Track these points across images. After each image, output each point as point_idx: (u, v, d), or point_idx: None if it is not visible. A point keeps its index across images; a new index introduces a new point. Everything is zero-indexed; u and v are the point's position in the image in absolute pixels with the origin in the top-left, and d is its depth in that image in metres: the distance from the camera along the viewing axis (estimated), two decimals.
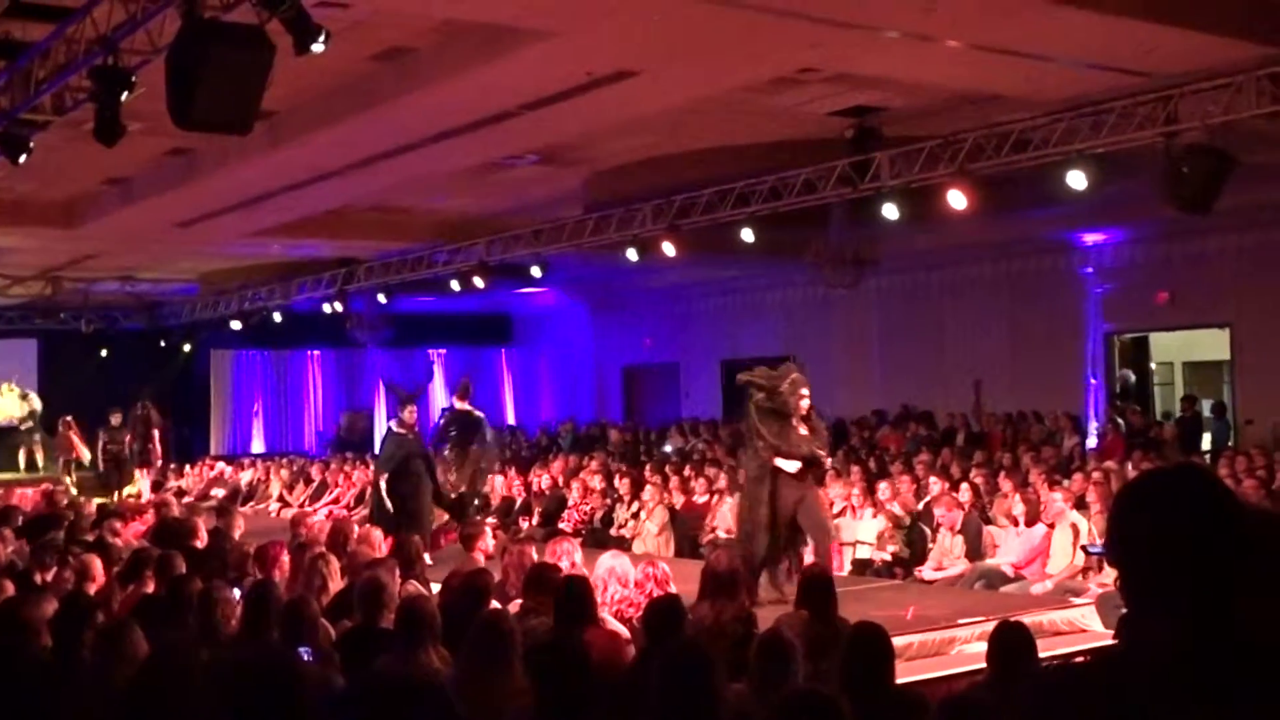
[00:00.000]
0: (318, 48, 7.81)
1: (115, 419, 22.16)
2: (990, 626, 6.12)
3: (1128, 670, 2.26)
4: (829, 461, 11.06)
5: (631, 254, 16.68)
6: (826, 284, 18.82)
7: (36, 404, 25.52)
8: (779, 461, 10.42)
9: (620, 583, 7.73)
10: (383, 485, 13.27)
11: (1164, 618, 2.25)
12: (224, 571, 8.71)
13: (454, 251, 19.74)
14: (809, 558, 10.41)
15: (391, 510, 13.04)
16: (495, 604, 7.36)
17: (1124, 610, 2.40)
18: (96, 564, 8.52)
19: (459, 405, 18.33)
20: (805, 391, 10.55)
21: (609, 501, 16.98)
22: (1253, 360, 18.55)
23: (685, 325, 27.15)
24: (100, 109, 8.88)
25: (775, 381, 10.60)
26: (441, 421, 17.56)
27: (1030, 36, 10.30)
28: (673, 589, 7.46)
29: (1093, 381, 20.39)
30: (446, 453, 16.36)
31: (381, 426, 29.90)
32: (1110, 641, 2.41)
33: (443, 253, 19.91)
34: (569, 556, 8.37)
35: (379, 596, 6.64)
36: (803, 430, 10.48)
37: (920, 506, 13.62)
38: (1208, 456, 16.86)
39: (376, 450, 17.07)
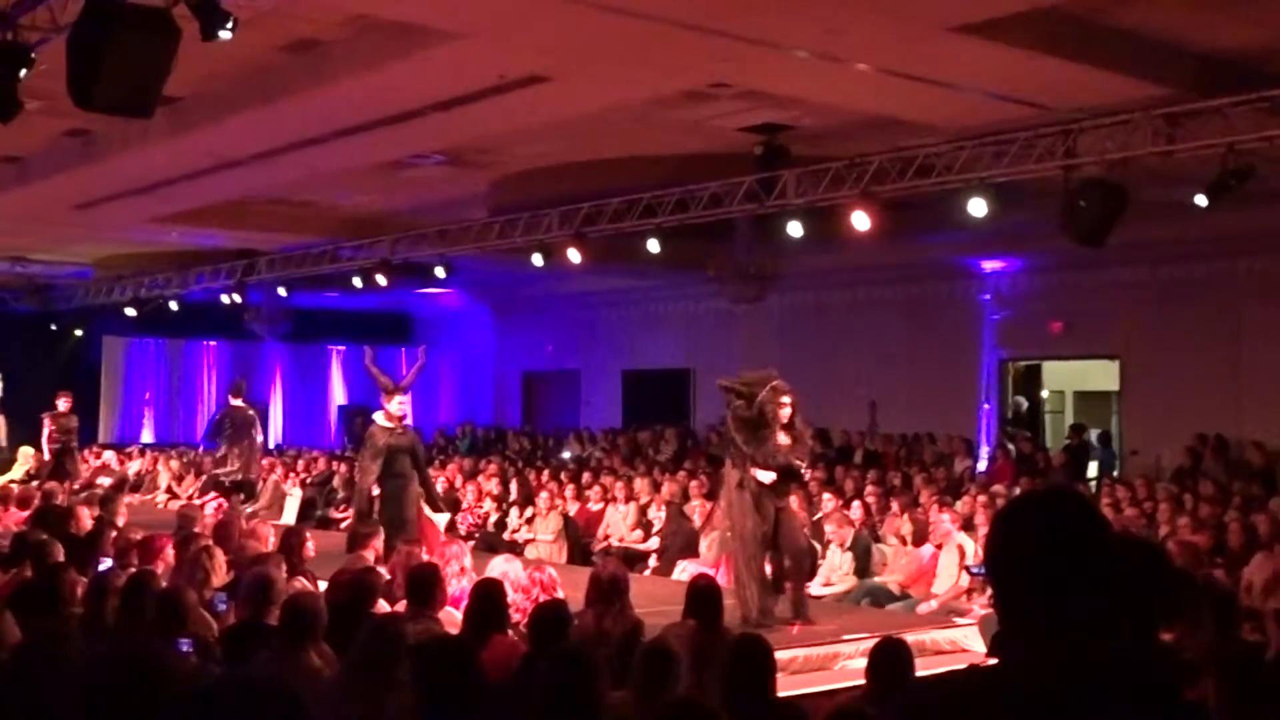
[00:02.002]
0: (225, 35, 7.70)
1: (63, 403, 20.62)
2: (874, 643, 6.19)
3: (997, 686, 2.30)
4: (808, 473, 10.63)
5: (537, 259, 16.64)
6: (729, 298, 18.89)
7: None
8: (755, 471, 10.12)
9: (512, 588, 7.71)
10: (371, 485, 12.27)
11: (1034, 635, 2.29)
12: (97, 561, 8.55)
13: (358, 248, 19.55)
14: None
15: (378, 512, 12.11)
16: (383, 604, 7.32)
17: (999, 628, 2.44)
18: None
19: (234, 402, 18.57)
20: (786, 400, 10.19)
21: (504, 506, 16.93)
22: (1140, 392, 18.96)
23: (588, 333, 27.14)
24: None
25: (754, 388, 10.31)
26: (216, 418, 18.19)
27: (937, 64, 10.46)
28: (560, 595, 7.46)
29: (986, 406, 20.71)
30: (222, 447, 17.90)
31: (277, 418, 29.57)
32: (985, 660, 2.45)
33: (346, 248, 19.71)
34: (458, 560, 8.34)
35: (265, 592, 6.56)
36: (784, 439, 10.16)
37: (811, 522, 13.73)
38: (1093, 484, 17.21)
39: (349, 445, 16.45)
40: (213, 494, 17.51)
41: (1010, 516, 2.42)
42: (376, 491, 12.23)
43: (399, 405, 12.54)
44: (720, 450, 11.39)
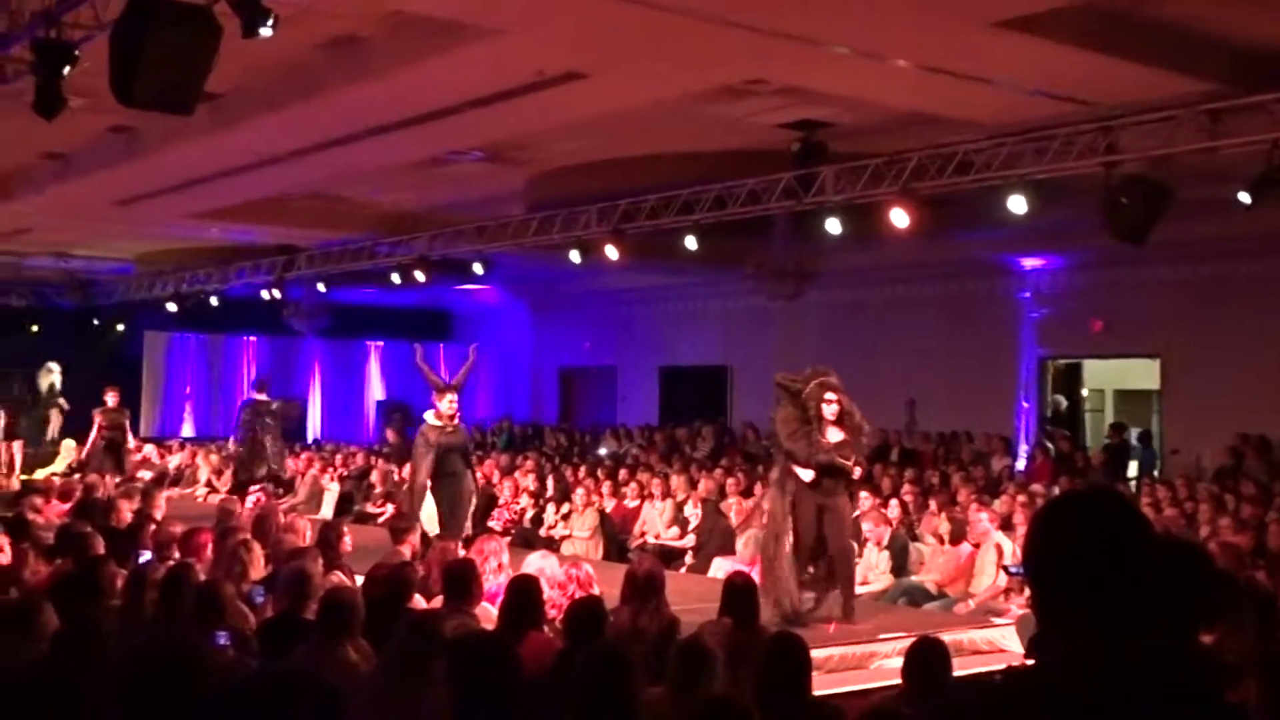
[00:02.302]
0: (265, 32, 7.74)
1: (111, 399, 20.71)
2: (910, 643, 6.16)
3: (1035, 687, 2.29)
4: (858, 471, 10.27)
5: (574, 256, 16.66)
6: (767, 295, 18.86)
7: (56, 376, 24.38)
8: (795, 468, 10.05)
9: (548, 584, 7.73)
10: (424, 484, 12.23)
11: (1072, 636, 2.28)
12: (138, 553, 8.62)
13: (396, 244, 19.63)
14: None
15: (434, 509, 12.13)
16: (419, 599, 7.35)
17: (1037, 629, 2.43)
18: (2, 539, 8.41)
19: (258, 397, 18.62)
20: (831, 396, 10.09)
21: (540, 502, 16.96)
22: (1181, 391, 18.82)
23: (625, 330, 27.16)
24: (40, 82, 8.75)
25: (799, 384, 10.28)
26: (241, 415, 18.24)
27: (977, 60, 10.40)
28: (596, 591, 7.46)
29: (1025, 405, 20.60)
30: (242, 443, 17.98)
31: (316, 413, 29.75)
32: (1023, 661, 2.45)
33: (384, 245, 19.80)
34: (496, 556, 8.36)
35: (303, 586, 6.59)
36: (834, 436, 10.03)
37: (852, 520, 13.70)
38: (1133, 484, 17.08)
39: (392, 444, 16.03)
40: (255, 489, 17.59)
41: (1049, 516, 2.41)
42: (428, 485, 12.32)
43: (449, 404, 12.45)
44: (769, 447, 11.38)
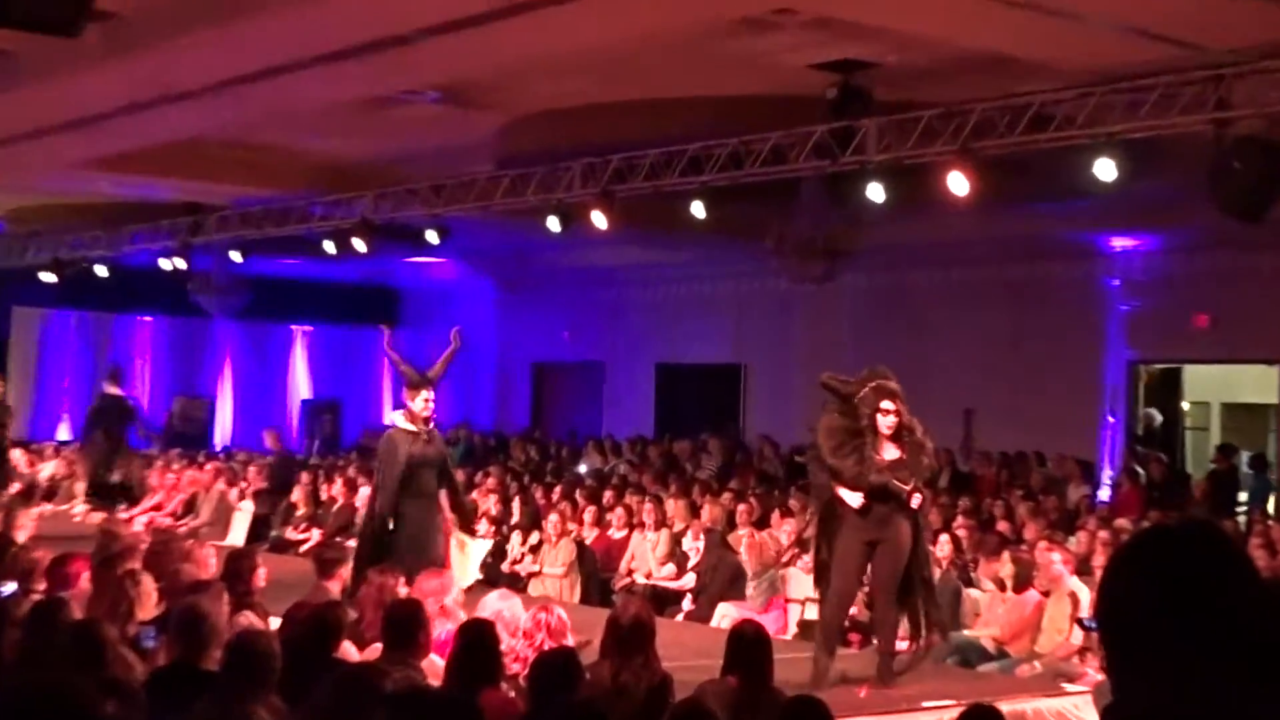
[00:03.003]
0: None
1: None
2: (959, 713, 6.17)
3: None
4: (917, 499, 10.08)
5: (553, 223, 16.65)
6: (791, 278, 18.87)
7: None
8: (840, 491, 10.01)
9: (509, 631, 7.75)
10: (389, 510, 11.53)
11: (1155, 709, 2.28)
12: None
13: (331, 205, 19.63)
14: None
15: (391, 538, 11.38)
16: (350, 647, 7.36)
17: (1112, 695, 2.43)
18: None
19: (110, 390, 18.55)
20: (889, 405, 10.03)
21: (504, 530, 16.99)
22: None
23: (614, 318, 27.18)
24: None
25: (852, 388, 10.22)
26: (91, 408, 18.15)
27: None
28: (569, 641, 7.48)
29: (1110, 420, 20.64)
30: (95, 441, 17.92)
31: (226, 415, 29.74)
32: None
33: (317, 205, 19.79)
34: (438, 596, 8.36)
35: (204, 628, 6.60)
36: (889, 454, 10.04)
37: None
38: (1242, 520, 17.13)
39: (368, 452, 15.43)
40: (87, 504, 17.68)
41: (1127, 556, 2.41)
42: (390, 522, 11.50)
43: (425, 403, 11.83)
44: (810, 465, 11.18)
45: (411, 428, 11.81)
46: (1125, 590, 2.38)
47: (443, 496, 11.90)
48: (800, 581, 13.64)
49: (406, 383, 12.12)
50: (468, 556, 12.10)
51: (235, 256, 21.83)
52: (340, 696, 5.36)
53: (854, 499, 9.99)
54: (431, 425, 11.99)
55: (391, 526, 11.50)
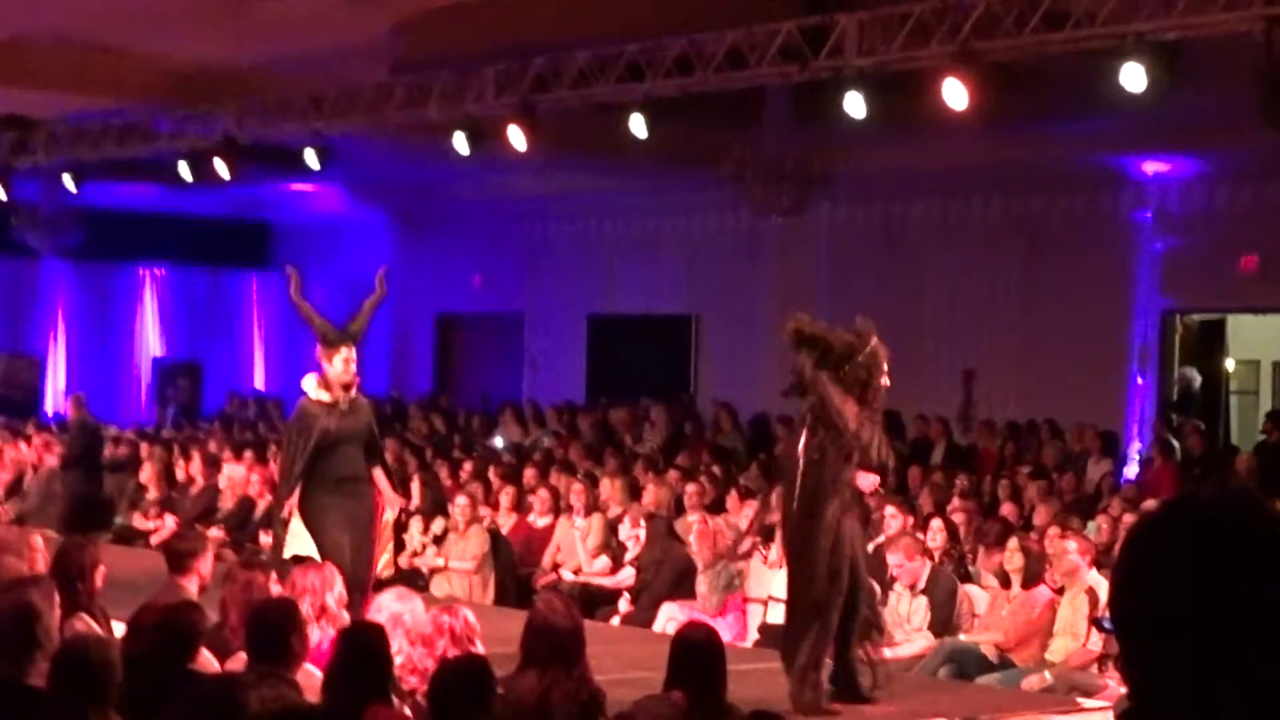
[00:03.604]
0: None
1: None
2: None
3: None
4: (872, 481, 10.60)
5: (460, 144, 16.61)
6: (754, 211, 18.90)
7: None
8: (859, 473, 10.22)
9: (409, 640, 7.75)
10: (291, 491, 11.40)
11: (1180, 713, 2.28)
12: None
13: (186, 120, 19.50)
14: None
15: (317, 537, 11.16)
16: (207, 655, 7.34)
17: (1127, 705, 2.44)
18: None
19: None
20: (887, 368, 10.39)
21: (401, 517, 16.95)
22: None
23: (537, 260, 27.12)
24: None
25: (852, 344, 10.36)
26: None
27: None
28: (478, 649, 7.48)
29: (1139, 382, 20.77)
30: None
31: (59, 376, 29.53)
32: None
33: (168, 120, 19.66)
34: (318, 594, 8.34)
35: (23, 634, 6.57)
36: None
37: (869, 551, 13.76)
38: None
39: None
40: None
41: (1146, 536, 2.38)
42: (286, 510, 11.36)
43: (345, 365, 11.55)
44: (791, 439, 11.03)
45: (326, 397, 11.58)
46: (1142, 578, 2.35)
47: (376, 476, 11.84)
48: (762, 578, 13.67)
49: (320, 340, 11.73)
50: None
51: (68, 183, 21.65)
52: (195, 717, 5.35)
53: (867, 481, 10.27)
54: (354, 392, 11.73)
55: (304, 521, 11.30)
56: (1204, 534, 2.31)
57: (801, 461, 10.22)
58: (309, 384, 11.74)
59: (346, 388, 11.60)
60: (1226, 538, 2.29)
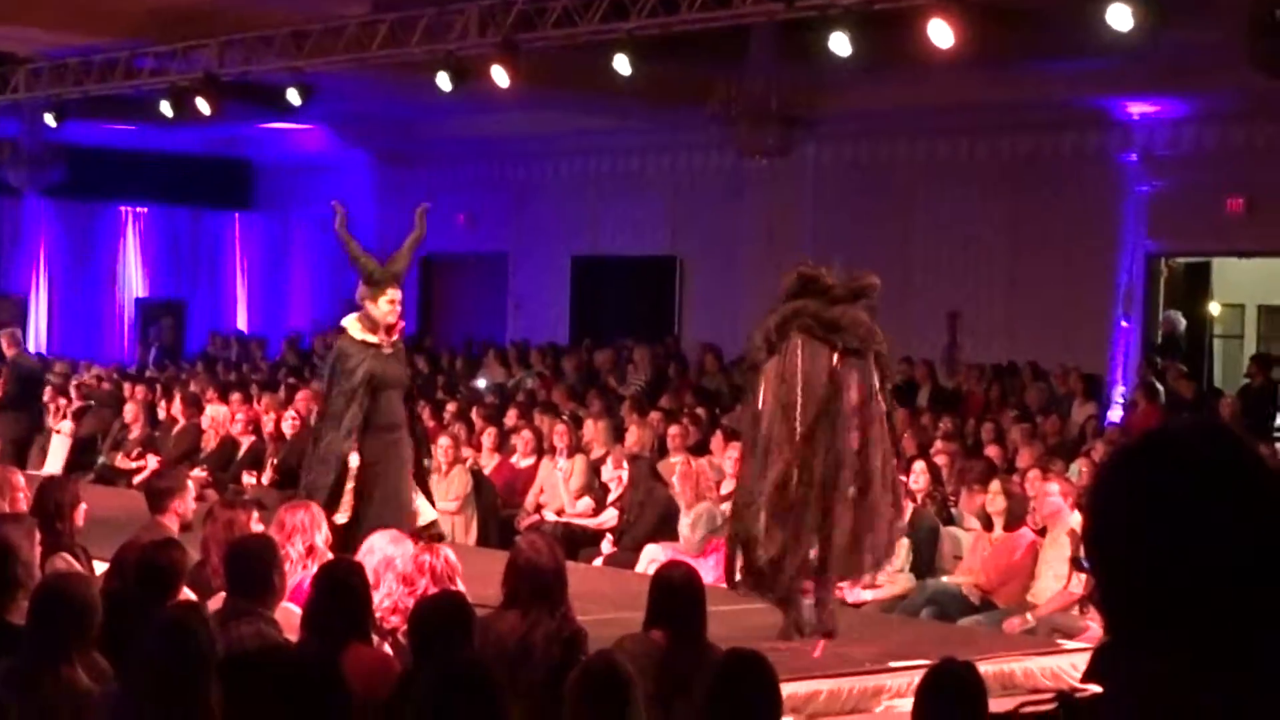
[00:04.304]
0: None
1: None
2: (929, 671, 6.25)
3: None
4: None
5: (443, 82, 16.54)
6: (739, 150, 18.87)
7: None
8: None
9: (396, 577, 7.78)
10: (351, 443, 11.02)
11: (1158, 652, 2.27)
12: None
13: (166, 57, 19.39)
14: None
15: (351, 485, 10.93)
16: (188, 594, 7.36)
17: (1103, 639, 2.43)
18: None
19: None
20: None
21: None
22: None
23: (521, 200, 27.06)
24: None
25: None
26: None
27: None
28: (460, 587, 7.50)
29: (1124, 324, 20.78)
30: None
31: (40, 315, 29.47)
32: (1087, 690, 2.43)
33: (148, 57, 19.56)
34: (307, 534, 8.36)
35: (3, 572, 6.59)
36: None
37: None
38: None
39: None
40: None
41: (1117, 469, 2.37)
42: (355, 459, 10.98)
43: (391, 306, 11.27)
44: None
45: (371, 338, 11.26)
46: (1117, 509, 2.33)
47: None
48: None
49: (366, 279, 11.40)
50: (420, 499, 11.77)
51: (49, 120, 21.56)
52: (162, 651, 5.36)
53: None
54: (396, 336, 11.51)
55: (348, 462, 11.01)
56: (1180, 464, 2.29)
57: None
58: (351, 324, 11.40)
59: (390, 330, 11.36)
60: (1203, 468, 2.28)
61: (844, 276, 10.79)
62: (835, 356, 10.36)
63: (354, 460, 10.98)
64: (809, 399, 10.24)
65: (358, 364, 11.13)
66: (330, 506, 10.37)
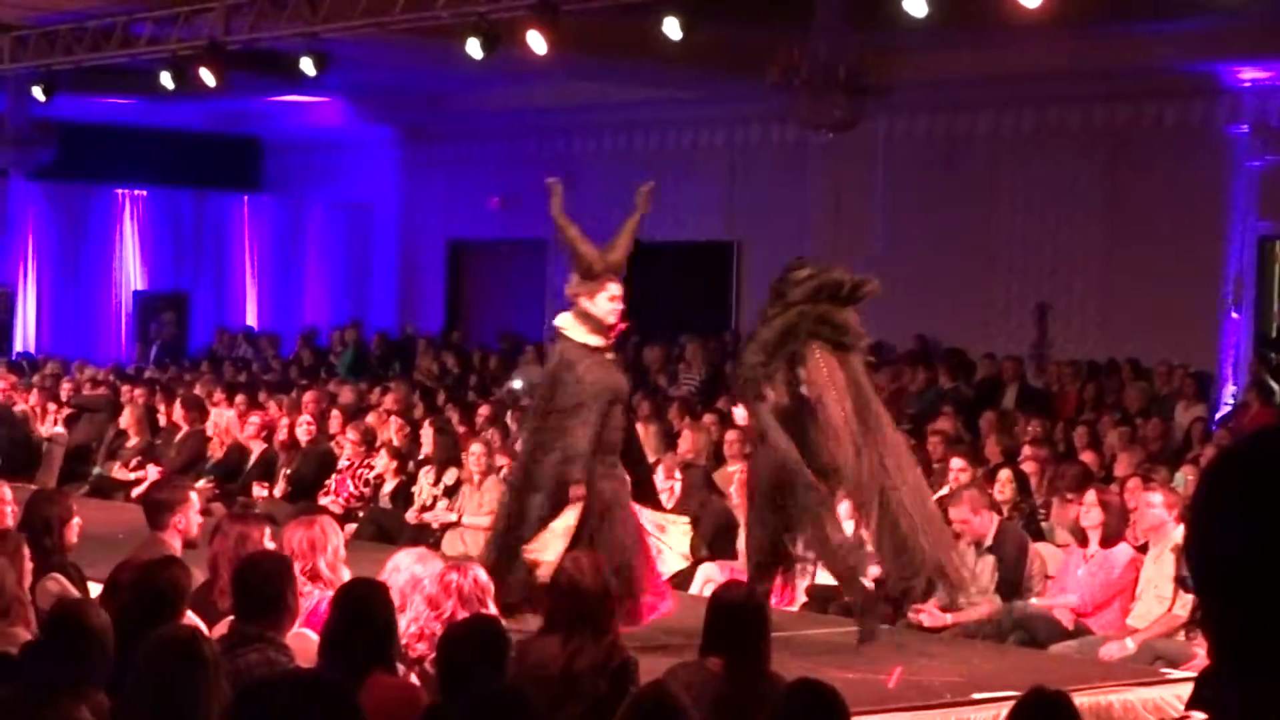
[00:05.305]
0: None
1: None
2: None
3: None
4: None
5: (474, 48, 16.58)
6: (802, 123, 18.86)
7: None
8: None
9: (425, 600, 7.78)
10: (569, 465, 10.51)
11: (1267, 679, 2.28)
12: None
13: (167, 22, 19.47)
14: None
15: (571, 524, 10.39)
16: (192, 618, 7.38)
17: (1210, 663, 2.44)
18: None
19: None
20: None
21: (409, 466, 17.02)
22: None
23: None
24: None
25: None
26: None
27: None
28: (491, 610, 7.51)
29: (1234, 316, 20.72)
30: None
31: (29, 311, 29.62)
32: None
33: (147, 23, 19.64)
34: (321, 552, 8.33)
35: None
36: None
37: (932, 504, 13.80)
38: None
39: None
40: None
41: (1225, 473, 2.39)
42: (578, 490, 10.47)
43: (611, 302, 10.85)
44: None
45: (595, 340, 10.84)
46: (1225, 520, 2.34)
47: None
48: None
49: (581, 269, 11.06)
50: (670, 536, 11.28)
51: (38, 94, 21.64)
52: (159, 675, 5.40)
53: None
54: (618, 335, 11.14)
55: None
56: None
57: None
58: (570, 325, 10.92)
59: (609, 331, 10.92)
60: None
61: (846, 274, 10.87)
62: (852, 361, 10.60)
63: (576, 491, 10.45)
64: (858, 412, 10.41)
65: (591, 375, 10.66)
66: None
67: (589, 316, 10.81)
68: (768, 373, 10.40)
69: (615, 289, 10.84)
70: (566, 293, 11.00)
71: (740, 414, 11.00)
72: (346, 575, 8.14)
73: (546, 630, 7.55)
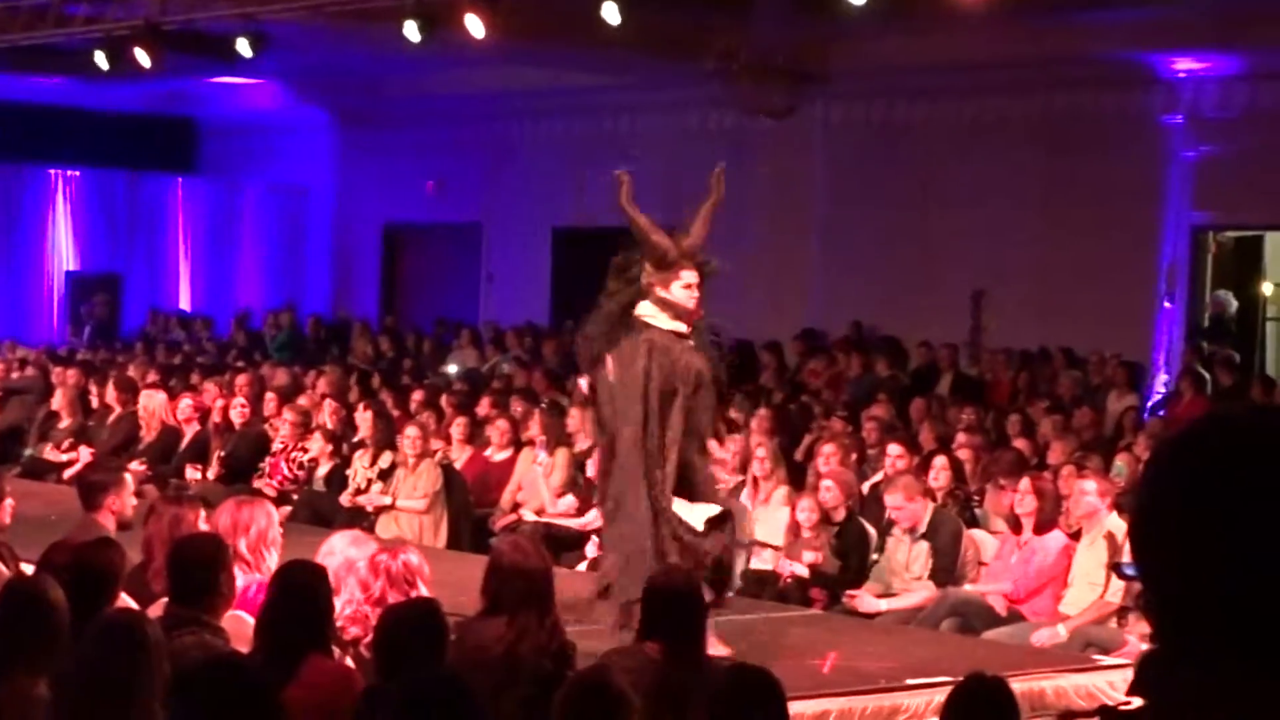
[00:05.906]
0: None
1: None
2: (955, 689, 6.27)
3: None
4: None
5: (411, 31, 16.53)
6: (742, 109, 18.88)
7: None
8: None
9: (359, 583, 7.77)
10: (664, 466, 10.22)
11: (1209, 664, 2.28)
12: None
13: (102, 3, 19.37)
14: None
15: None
16: (127, 600, 7.35)
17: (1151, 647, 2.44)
18: None
19: None
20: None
21: (343, 449, 16.99)
22: None
23: (497, 164, 27.04)
24: None
25: None
26: None
27: None
28: (422, 591, 7.49)
29: (1167, 306, 20.79)
30: None
31: None
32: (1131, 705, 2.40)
33: (82, 3, 19.53)
34: (243, 534, 8.23)
35: None
36: None
37: (864, 491, 13.79)
38: None
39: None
40: None
41: (1169, 459, 2.39)
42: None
43: (687, 289, 10.62)
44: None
45: (680, 327, 10.62)
46: (1169, 506, 2.33)
47: None
48: (746, 519, 13.71)
49: (654, 258, 10.74)
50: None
51: None
52: (95, 660, 5.38)
53: None
54: (698, 316, 10.77)
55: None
56: (1236, 456, 2.29)
57: None
58: (654, 314, 10.63)
59: (689, 317, 10.65)
60: (1262, 459, 2.28)
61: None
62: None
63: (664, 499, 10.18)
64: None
65: (675, 361, 10.45)
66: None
67: (668, 304, 10.61)
68: (609, 344, 10.42)
69: (690, 276, 10.59)
70: (642, 282, 10.69)
71: (584, 384, 10.75)
72: (273, 559, 8.10)
73: (488, 612, 7.52)
